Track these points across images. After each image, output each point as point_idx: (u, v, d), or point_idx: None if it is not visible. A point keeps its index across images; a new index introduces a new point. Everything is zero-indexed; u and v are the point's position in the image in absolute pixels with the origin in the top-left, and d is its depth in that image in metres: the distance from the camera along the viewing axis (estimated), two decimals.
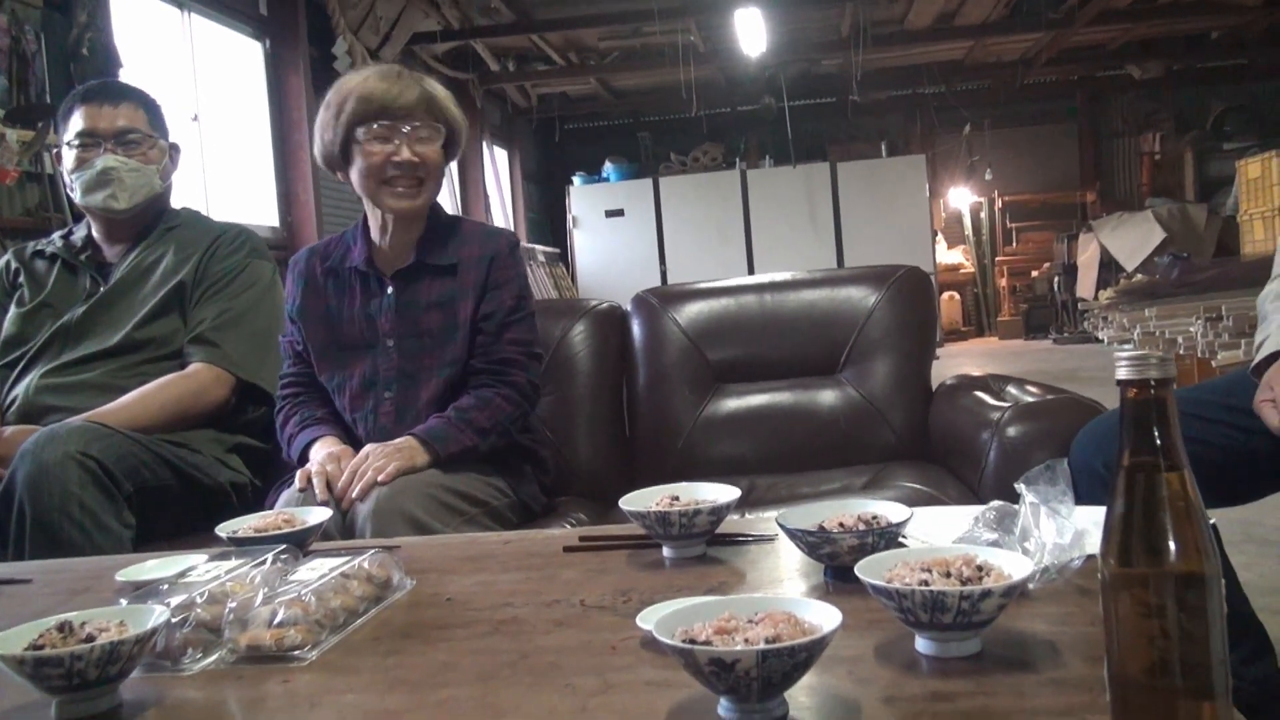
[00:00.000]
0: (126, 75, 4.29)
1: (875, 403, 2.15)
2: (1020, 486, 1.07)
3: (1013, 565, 0.90)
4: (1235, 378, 1.62)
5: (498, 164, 10.08)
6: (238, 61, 6.04)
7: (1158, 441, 0.66)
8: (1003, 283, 11.15)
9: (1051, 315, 9.97)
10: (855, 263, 9.67)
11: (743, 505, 1.90)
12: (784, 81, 9.69)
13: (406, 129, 1.83)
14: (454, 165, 9.07)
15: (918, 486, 1.81)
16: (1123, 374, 0.67)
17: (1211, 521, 0.68)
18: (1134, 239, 8.12)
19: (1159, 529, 0.64)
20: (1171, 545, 0.64)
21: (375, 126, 1.82)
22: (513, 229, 10.12)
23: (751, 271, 9.69)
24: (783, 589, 1.08)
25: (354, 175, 1.87)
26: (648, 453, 2.22)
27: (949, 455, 2.00)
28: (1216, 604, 0.64)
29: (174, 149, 2.19)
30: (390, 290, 1.90)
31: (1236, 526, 1.34)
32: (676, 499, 1.23)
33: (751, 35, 7.87)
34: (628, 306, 2.34)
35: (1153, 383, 0.66)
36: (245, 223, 3.08)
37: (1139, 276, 5.70)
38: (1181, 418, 1.61)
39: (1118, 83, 11.12)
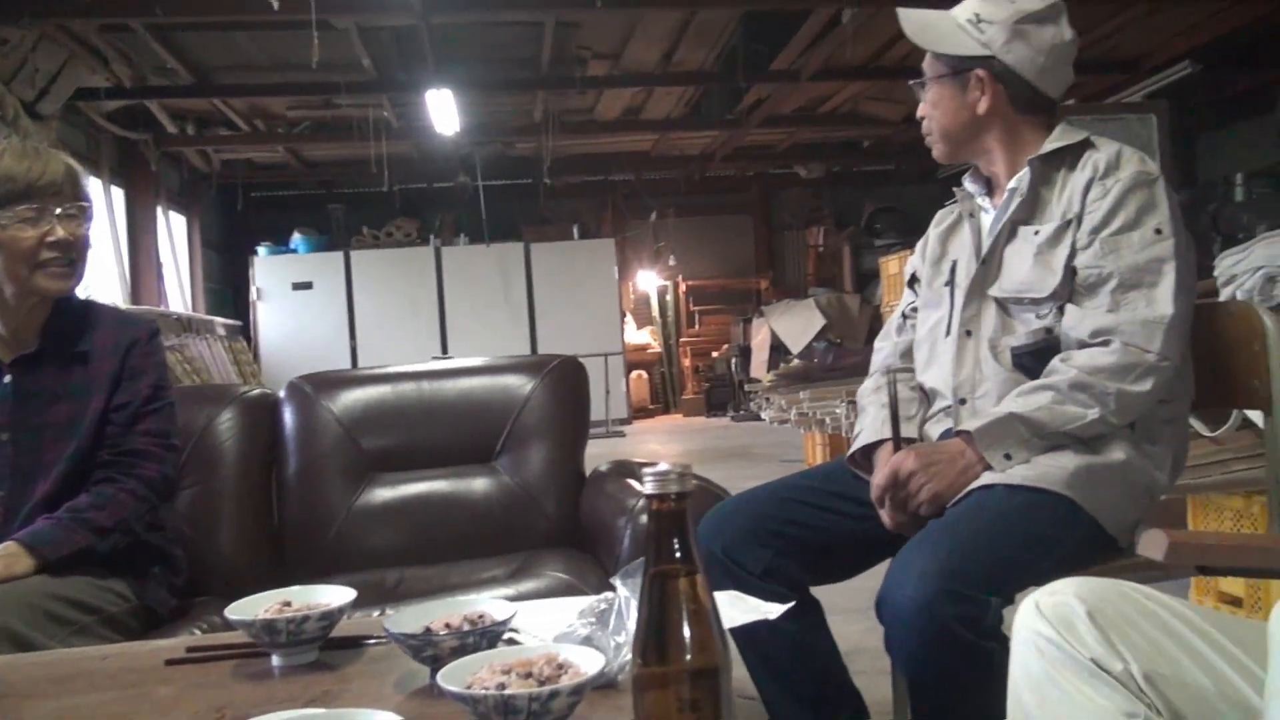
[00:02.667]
0: None
1: (529, 490, 2.20)
2: (615, 580, 1.13)
3: (590, 662, 0.95)
4: (834, 465, 1.79)
5: (174, 231, 9.50)
6: None
7: (677, 551, 0.73)
8: (687, 362, 11.75)
9: (730, 394, 10.60)
10: (548, 343, 9.88)
11: (390, 599, 1.88)
12: (479, 161, 9.83)
13: (58, 210, 1.71)
14: (123, 231, 8.47)
15: (561, 575, 1.86)
16: (648, 489, 0.73)
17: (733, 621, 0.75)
18: (798, 324, 8.85)
19: (675, 630, 0.71)
20: (686, 643, 0.70)
21: (21, 209, 1.69)
22: (190, 299, 9.53)
23: (445, 350, 9.66)
24: (387, 695, 1.08)
25: None
26: (297, 546, 2.15)
27: (595, 542, 2.07)
28: (726, 691, 0.72)
29: None
30: (8, 379, 1.75)
31: (847, 595, 1.49)
32: (288, 604, 1.20)
33: (444, 115, 7.95)
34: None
35: (673, 497, 0.73)
36: None
37: (796, 361, 6.22)
38: (788, 504, 1.75)
39: (787, 180, 12.14)
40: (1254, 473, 2.52)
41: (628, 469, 2.22)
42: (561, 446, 2.25)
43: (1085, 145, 1.64)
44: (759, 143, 10.72)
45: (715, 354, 11.42)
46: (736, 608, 1.26)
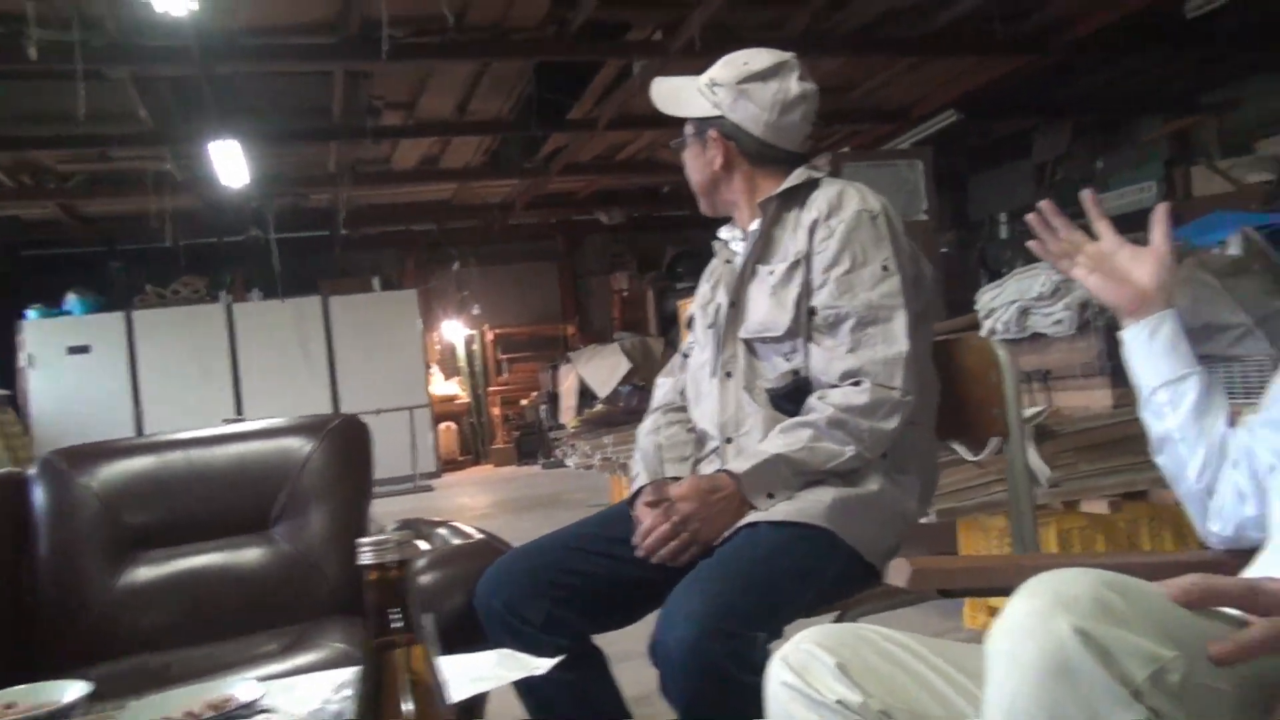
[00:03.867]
0: None
1: (309, 557, 2.12)
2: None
3: None
4: (612, 511, 1.81)
5: None
6: None
7: (396, 621, 0.71)
8: (496, 411, 11.65)
9: (540, 442, 10.57)
10: (351, 399, 9.60)
11: (156, 685, 1.76)
12: (271, 214, 9.50)
13: None
14: None
15: (341, 645, 1.79)
16: (365, 559, 0.72)
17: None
18: (605, 369, 8.94)
19: (392, 703, 0.69)
20: (405, 717, 0.69)
21: None
22: None
23: (240, 412, 9.24)
24: None
25: None
26: (51, 635, 1.99)
27: None
28: None
29: None
30: None
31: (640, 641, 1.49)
32: (13, 705, 1.11)
33: (231, 167, 7.66)
34: None
35: (392, 565, 0.72)
36: None
37: (600, 405, 6.26)
38: (567, 553, 1.75)
39: (590, 226, 12.29)
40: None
41: (414, 528, 2.17)
42: (344, 509, 2.18)
43: (813, 186, 1.74)
44: (560, 190, 10.82)
45: (525, 402, 11.38)
46: (504, 665, 1.25)
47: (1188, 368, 1.27)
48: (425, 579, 1.78)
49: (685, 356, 1.92)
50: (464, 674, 1.20)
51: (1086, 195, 1.36)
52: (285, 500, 2.16)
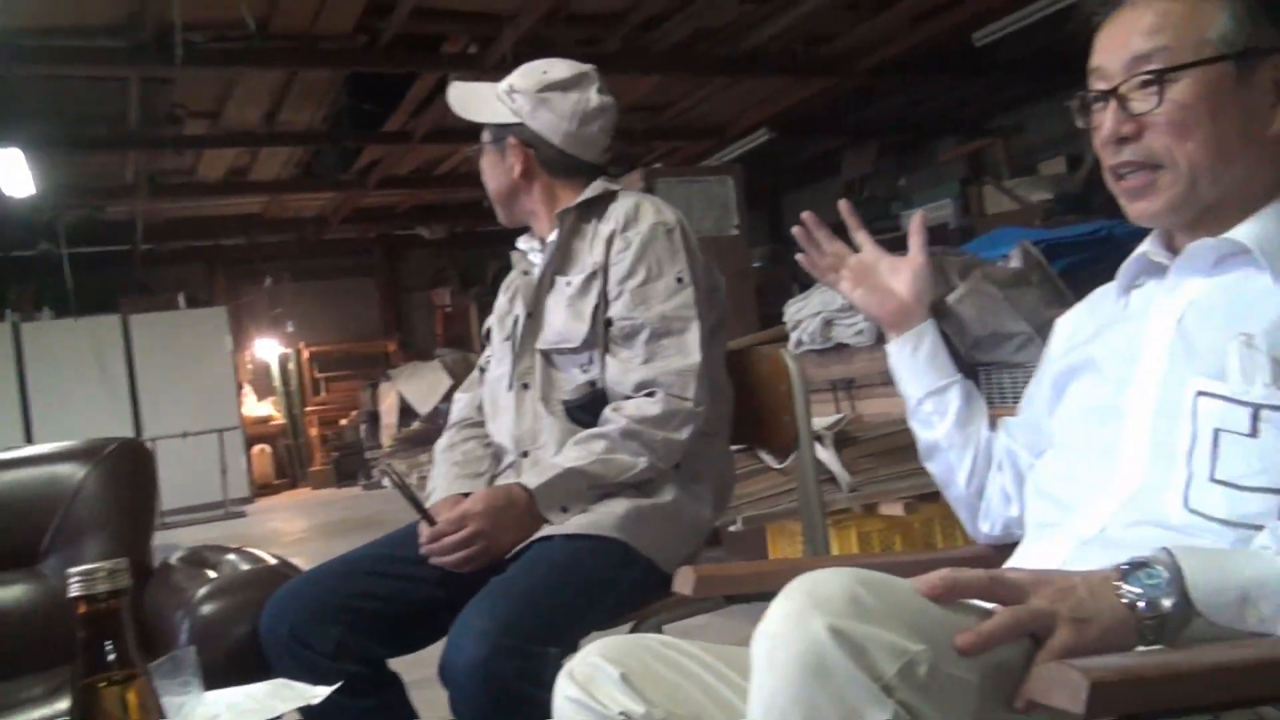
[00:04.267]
0: None
1: None
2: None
3: None
4: (404, 531, 1.75)
5: None
6: None
7: (111, 656, 0.66)
8: (314, 432, 11.25)
9: (360, 462, 10.27)
10: (155, 423, 9.09)
11: None
12: (63, 227, 8.91)
13: None
14: None
15: None
16: (73, 591, 0.66)
17: None
18: (425, 386, 8.77)
19: None
20: None
21: None
22: None
23: (29, 439, 8.60)
24: None
25: None
26: None
27: (155, 643, 1.88)
28: None
29: None
30: None
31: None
32: None
33: (15, 177, 7.14)
34: None
35: (103, 597, 0.66)
36: None
37: (418, 424, 6.13)
38: (358, 577, 1.69)
39: (411, 241, 12.06)
40: None
41: (201, 558, 2.05)
42: (122, 540, 2.04)
43: (610, 198, 1.75)
44: (379, 204, 10.58)
45: (344, 421, 11.03)
46: (277, 696, 1.19)
47: (949, 377, 1.32)
48: (207, 609, 1.68)
49: (482, 371, 1.89)
50: (230, 707, 1.14)
51: (843, 204, 1.39)
52: (56, 532, 2.01)
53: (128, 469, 2.12)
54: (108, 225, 9.67)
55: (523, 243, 1.86)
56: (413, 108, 7.26)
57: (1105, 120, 1.04)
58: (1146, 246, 1.12)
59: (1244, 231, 1.01)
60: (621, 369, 1.63)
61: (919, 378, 1.32)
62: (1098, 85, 1.06)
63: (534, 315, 1.72)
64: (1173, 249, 1.09)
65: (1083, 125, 1.09)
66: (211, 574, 1.97)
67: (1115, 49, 1.04)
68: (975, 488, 1.32)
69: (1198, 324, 1.01)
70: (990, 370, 3.42)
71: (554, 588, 1.43)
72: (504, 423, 1.72)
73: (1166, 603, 0.81)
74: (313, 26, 5.68)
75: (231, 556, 2.03)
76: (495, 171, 1.78)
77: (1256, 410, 0.92)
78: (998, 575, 0.88)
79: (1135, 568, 0.84)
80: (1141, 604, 0.82)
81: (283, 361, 11.43)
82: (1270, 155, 1.02)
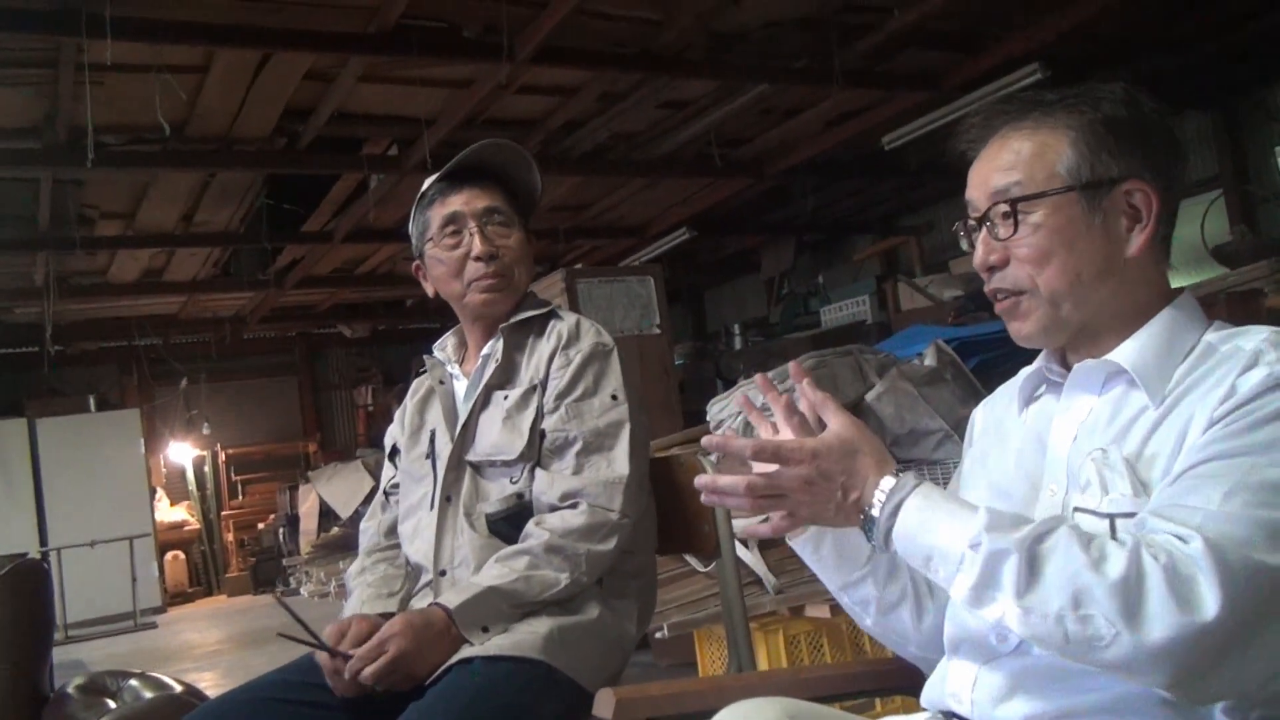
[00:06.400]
0: None
1: None
2: None
3: None
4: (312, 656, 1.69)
5: None
6: None
7: None
8: (230, 537, 10.90)
9: (278, 568, 9.95)
10: (63, 531, 8.73)
11: None
12: None
13: None
14: None
15: None
16: None
17: None
18: (347, 488, 8.57)
19: None
20: None
21: None
22: None
23: None
24: None
25: None
26: None
27: None
28: None
29: None
30: None
31: None
32: None
33: None
34: None
35: None
36: None
37: (338, 529, 5.97)
38: (264, 705, 1.61)
39: (332, 340, 11.94)
40: None
41: (101, 685, 1.95)
42: (15, 666, 1.94)
43: (551, 315, 1.76)
44: (298, 303, 10.47)
45: (262, 525, 10.71)
46: None
47: (859, 570, 1.22)
48: None
49: (387, 495, 1.87)
50: None
51: (793, 366, 1.21)
52: None
53: (23, 589, 2.03)
54: (16, 327, 9.41)
55: (440, 352, 1.86)
56: (335, 208, 7.25)
57: (977, 248, 1.13)
58: (1041, 362, 1.17)
59: (1123, 353, 1.06)
60: (549, 480, 1.62)
61: (829, 574, 1.24)
62: (971, 215, 1.14)
63: (466, 429, 1.71)
64: (1065, 365, 1.14)
65: (967, 249, 1.16)
66: (111, 703, 1.89)
67: (979, 184, 1.13)
68: (928, 633, 1.23)
69: (1086, 444, 1.06)
70: (909, 468, 3.46)
71: (475, 713, 1.39)
72: (424, 542, 1.68)
73: (874, 537, 1.02)
74: (231, 129, 5.67)
75: (134, 683, 1.94)
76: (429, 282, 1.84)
77: (1112, 520, 0.99)
78: (770, 442, 1.04)
79: (891, 494, 1.01)
80: (868, 526, 1.03)
81: (198, 464, 11.11)
82: (1135, 275, 1.08)
